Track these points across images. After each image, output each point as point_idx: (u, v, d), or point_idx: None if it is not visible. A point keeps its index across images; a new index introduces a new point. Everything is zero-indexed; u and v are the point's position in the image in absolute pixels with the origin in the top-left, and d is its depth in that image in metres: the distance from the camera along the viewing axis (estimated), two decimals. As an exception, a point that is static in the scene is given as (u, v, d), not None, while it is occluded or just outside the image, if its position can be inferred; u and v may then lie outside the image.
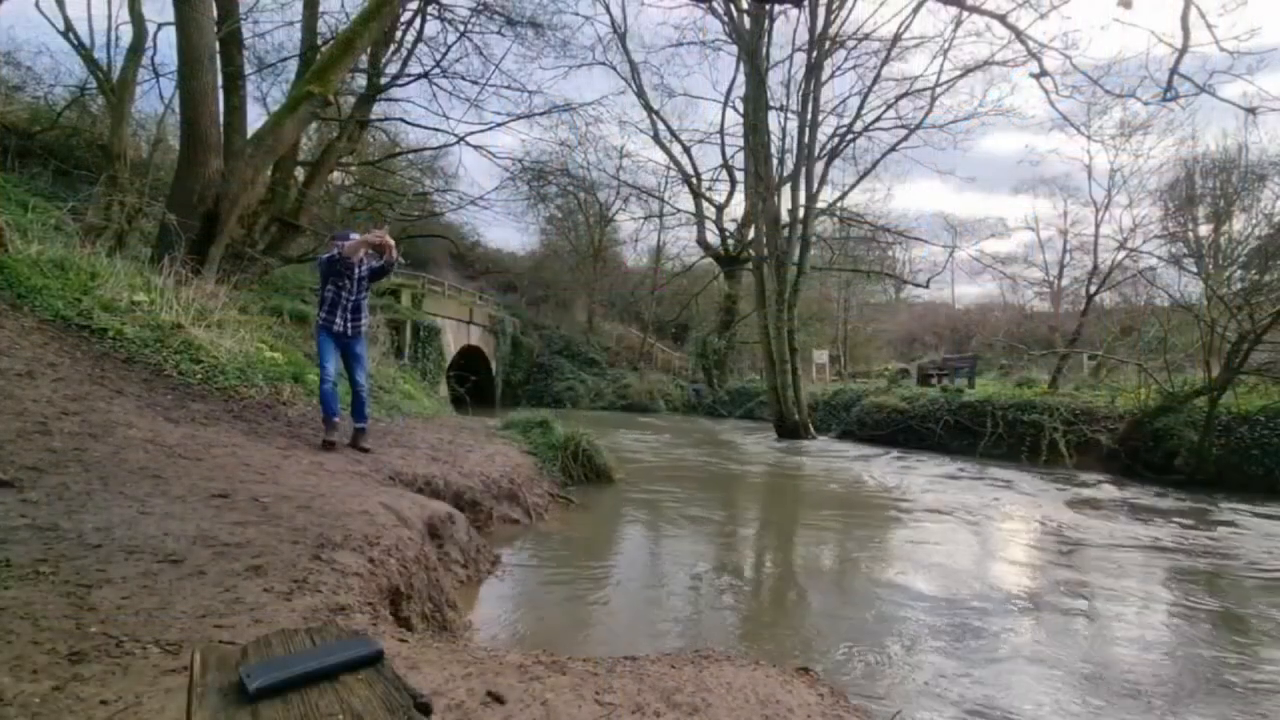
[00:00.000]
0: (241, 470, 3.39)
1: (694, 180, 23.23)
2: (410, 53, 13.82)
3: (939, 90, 16.85)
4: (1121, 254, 14.34)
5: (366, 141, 16.34)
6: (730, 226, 23.54)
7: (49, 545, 2.02)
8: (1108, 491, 8.18)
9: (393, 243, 4.74)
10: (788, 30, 25.24)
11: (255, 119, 11.41)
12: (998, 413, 11.79)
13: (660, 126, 22.55)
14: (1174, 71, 10.31)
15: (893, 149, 17.82)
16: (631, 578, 4.13)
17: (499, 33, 14.22)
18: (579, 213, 28.66)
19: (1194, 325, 10.13)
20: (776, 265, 14.78)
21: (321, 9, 11.84)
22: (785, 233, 15.20)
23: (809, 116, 14.90)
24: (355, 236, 4.77)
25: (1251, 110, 10.26)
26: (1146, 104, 12.80)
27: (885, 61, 16.66)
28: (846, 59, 17.60)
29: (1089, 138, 14.94)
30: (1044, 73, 13.24)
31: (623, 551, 4.86)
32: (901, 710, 2.42)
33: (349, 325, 4.84)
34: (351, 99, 13.75)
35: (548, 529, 5.15)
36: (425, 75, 13.89)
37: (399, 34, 13.41)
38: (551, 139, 19.50)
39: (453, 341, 17.48)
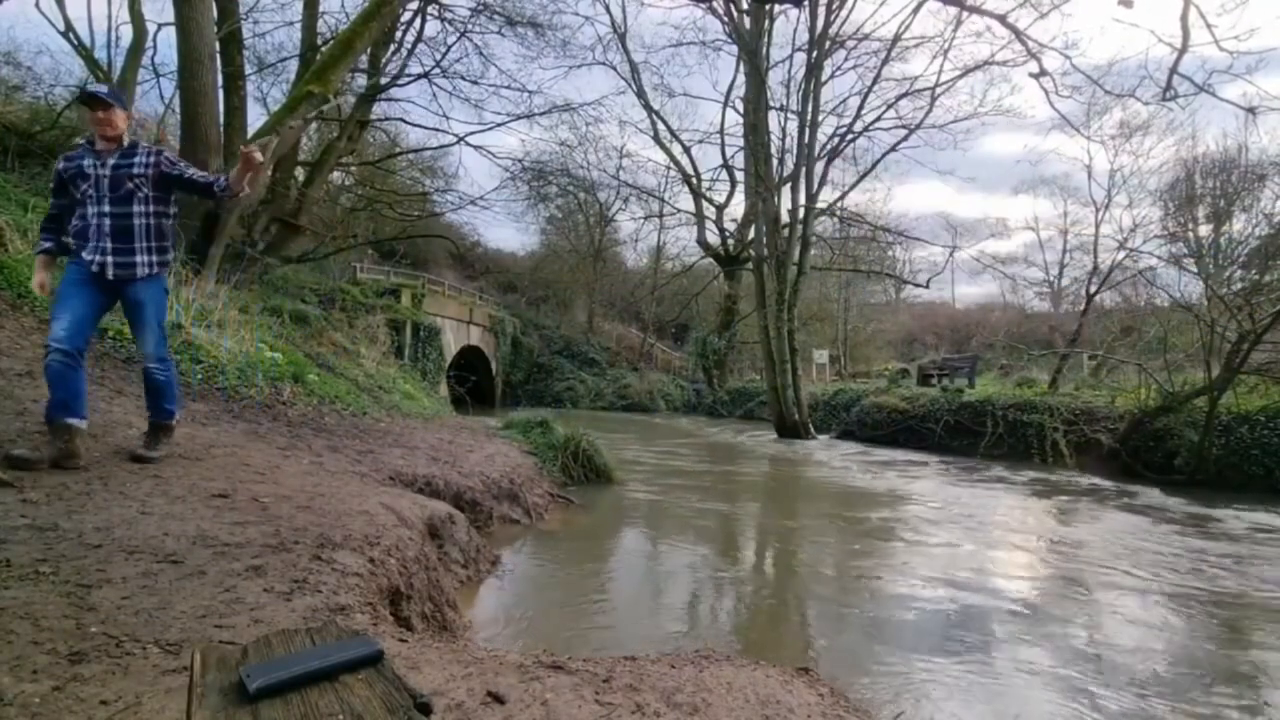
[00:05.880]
0: (241, 470, 3.38)
1: (694, 180, 23.22)
2: (410, 53, 13.86)
3: (939, 90, 16.88)
4: (1121, 254, 14.35)
5: (366, 141, 16.35)
6: (730, 226, 23.56)
7: (49, 545, 2.02)
8: (1108, 491, 8.17)
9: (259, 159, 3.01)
10: (788, 30, 25.21)
11: (255, 119, 11.45)
12: (998, 413, 11.77)
13: (660, 126, 22.59)
14: (1173, 71, 10.32)
15: (893, 149, 17.84)
16: (631, 578, 4.13)
17: (499, 33, 14.28)
18: (579, 213, 28.70)
19: (1194, 325, 10.11)
20: (776, 265, 14.78)
21: (321, 9, 11.87)
22: (785, 233, 15.19)
23: (809, 116, 14.90)
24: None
25: (1251, 110, 10.27)
26: (1146, 104, 12.83)
27: (885, 61, 16.70)
28: (846, 59, 17.66)
29: (1088, 139, 15.00)
30: (1043, 73, 13.26)
31: (623, 551, 4.86)
32: (903, 711, 2.42)
33: (110, 259, 2.91)
34: (351, 99, 13.75)
35: (548, 529, 5.15)
36: (425, 75, 13.94)
37: (399, 34, 13.44)
38: (551, 139, 19.61)
39: (453, 341, 17.49)
